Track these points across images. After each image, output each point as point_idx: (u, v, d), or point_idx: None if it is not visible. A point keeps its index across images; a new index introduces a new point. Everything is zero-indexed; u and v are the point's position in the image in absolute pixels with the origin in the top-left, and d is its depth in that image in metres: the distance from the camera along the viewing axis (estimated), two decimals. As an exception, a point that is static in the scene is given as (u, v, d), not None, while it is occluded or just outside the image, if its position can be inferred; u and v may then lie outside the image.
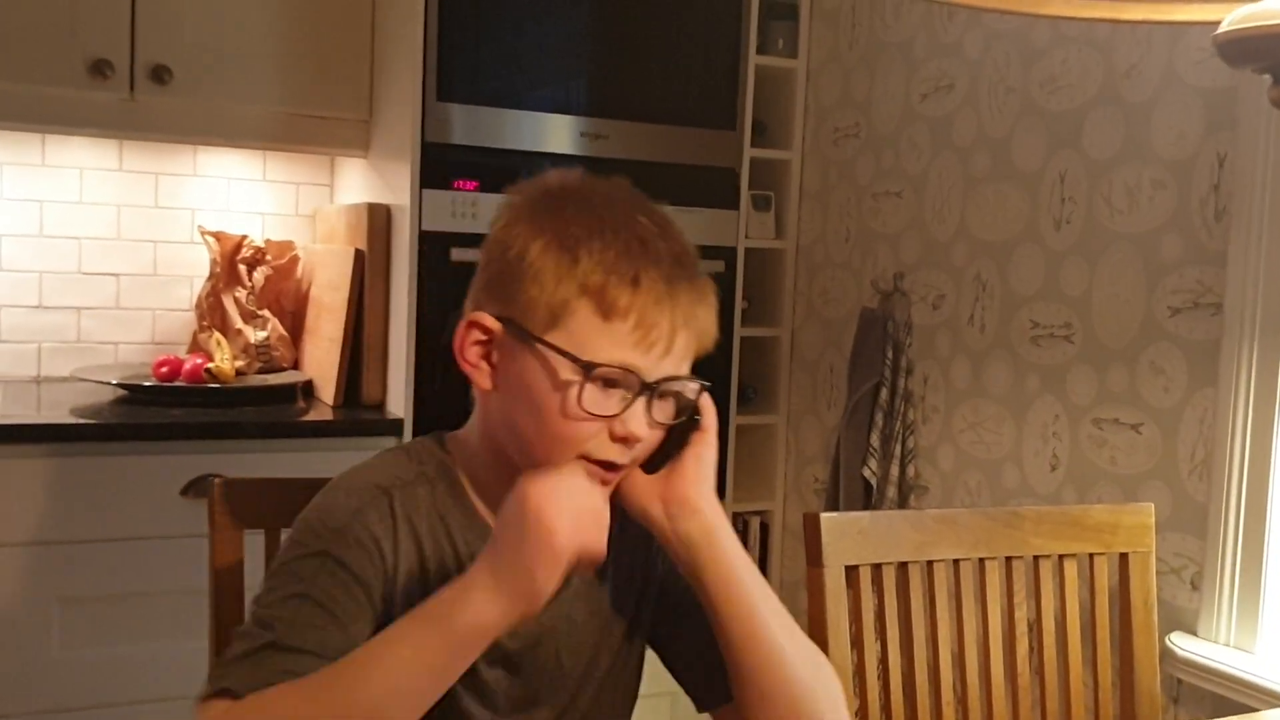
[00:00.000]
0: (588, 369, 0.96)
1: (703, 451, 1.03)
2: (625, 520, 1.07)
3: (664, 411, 1.01)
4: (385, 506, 1.01)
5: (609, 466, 0.99)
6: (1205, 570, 1.74)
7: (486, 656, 0.97)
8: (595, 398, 0.97)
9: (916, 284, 2.37)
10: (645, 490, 1.03)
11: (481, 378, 1.02)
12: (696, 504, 1.01)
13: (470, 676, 0.98)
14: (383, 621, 0.96)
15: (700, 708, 1.12)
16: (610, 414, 0.97)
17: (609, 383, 0.97)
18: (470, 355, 1.02)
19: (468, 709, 1.04)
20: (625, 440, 0.98)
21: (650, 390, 0.98)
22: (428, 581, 1.00)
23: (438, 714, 0.94)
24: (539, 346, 0.97)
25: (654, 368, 0.98)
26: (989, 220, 2.19)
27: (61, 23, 2.18)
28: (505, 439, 1.03)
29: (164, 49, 2.25)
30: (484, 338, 1.01)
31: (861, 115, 2.55)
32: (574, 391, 0.96)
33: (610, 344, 0.96)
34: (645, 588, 1.13)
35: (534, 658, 1.06)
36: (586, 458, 0.98)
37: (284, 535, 1.29)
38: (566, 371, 0.96)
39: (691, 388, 1.02)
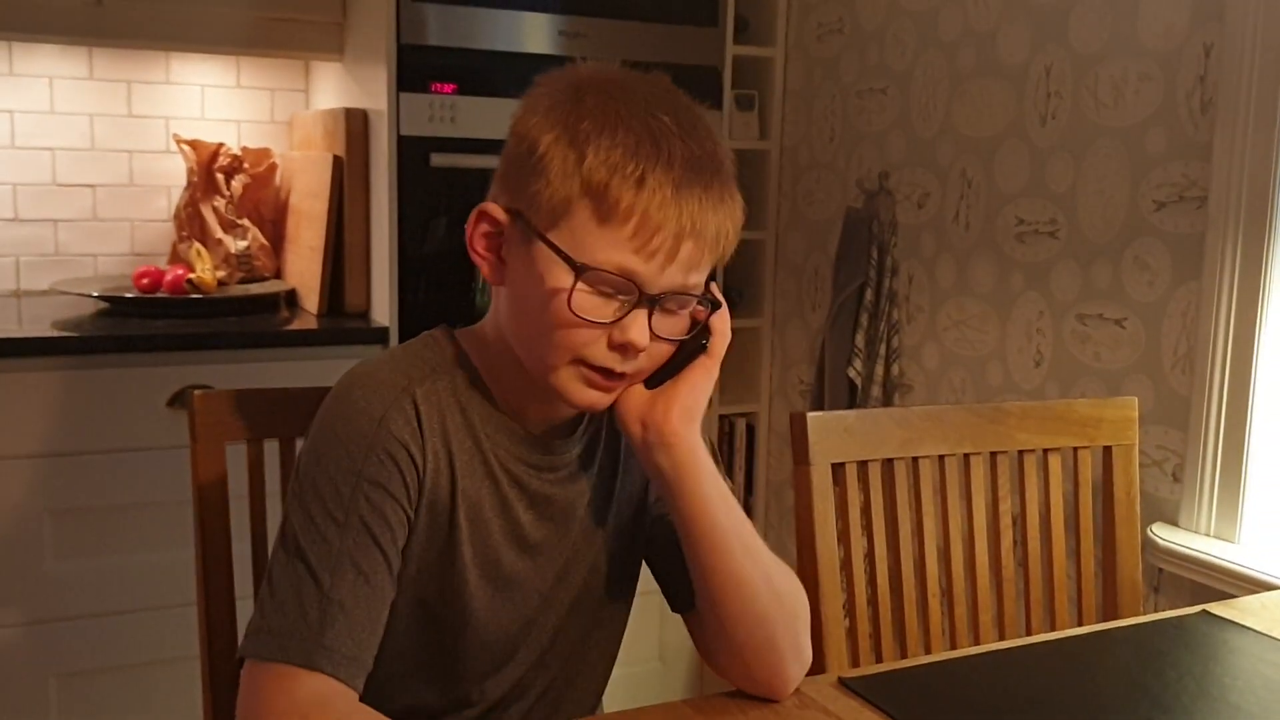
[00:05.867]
0: (580, 270, 0.93)
1: (698, 379, 1.01)
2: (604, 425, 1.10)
3: (671, 326, 0.99)
4: (409, 407, 0.98)
5: (606, 374, 0.97)
6: (1187, 462, 1.76)
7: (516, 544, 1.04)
8: (591, 302, 0.94)
9: (901, 183, 2.36)
10: (634, 407, 1.01)
11: (489, 270, 1.00)
12: (672, 437, 0.99)
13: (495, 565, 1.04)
14: (412, 522, 0.98)
15: (674, 609, 1.14)
16: (604, 320, 0.95)
17: (607, 288, 0.94)
18: (479, 245, 1.00)
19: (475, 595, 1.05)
20: (622, 349, 0.96)
21: (652, 301, 0.95)
22: (455, 479, 1.00)
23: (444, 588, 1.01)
24: (539, 243, 0.95)
25: (657, 276, 0.94)
26: (974, 117, 2.17)
27: (22, -76, 2.12)
28: (509, 334, 1.01)
29: (130, -49, 2.19)
30: (491, 229, 1.00)
31: (845, 10, 2.51)
32: (566, 293, 0.93)
33: (609, 246, 0.93)
34: (647, 495, 1.14)
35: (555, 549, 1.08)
36: (585, 363, 0.97)
37: (269, 447, 1.30)
38: (561, 271, 0.94)
39: (700, 306, 1.00)
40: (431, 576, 1.02)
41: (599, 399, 0.99)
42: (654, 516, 1.13)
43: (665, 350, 1.00)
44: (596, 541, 1.11)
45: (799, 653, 1.06)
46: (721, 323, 1.02)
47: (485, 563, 1.03)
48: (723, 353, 1.03)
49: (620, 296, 0.95)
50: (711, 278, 1.02)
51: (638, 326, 0.95)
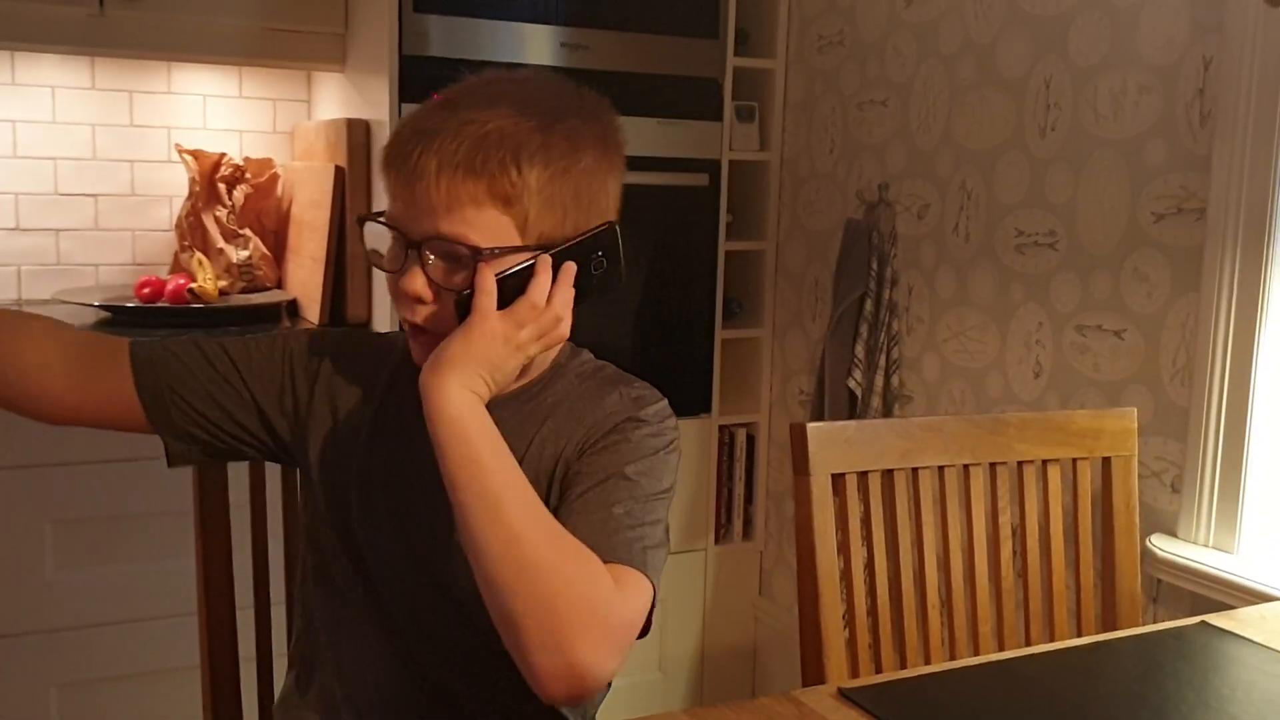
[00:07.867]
0: (360, 220, 1.05)
1: (458, 334, 0.97)
2: (544, 410, 1.08)
3: (446, 276, 0.99)
4: (356, 345, 1.16)
5: (413, 327, 1.02)
6: (1186, 473, 1.77)
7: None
8: (386, 255, 1.02)
9: (901, 194, 2.36)
10: None
11: None
12: (423, 387, 0.96)
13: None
14: (272, 422, 1.14)
15: None
16: (393, 270, 1.01)
17: (389, 236, 1.02)
18: None
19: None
20: (402, 297, 1.01)
21: (414, 246, 0.99)
22: (335, 403, 1.13)
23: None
24: None
25: (413, 221, 0.99)
26: (974, 128, 2.18)
27: (26, -64, 2.12)
28: None
29: (133, -38, 2.20)
30: None
31: (845, 22, 2.52)
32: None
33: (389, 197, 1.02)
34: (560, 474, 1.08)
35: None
36: (405, 320, 1.03)
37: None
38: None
39: (461, 251, 0.98)
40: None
41: (416, 354, 1.04)
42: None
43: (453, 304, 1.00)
44: None
45: (554, 648, 0.89)
46: (482, 278, 0.97)
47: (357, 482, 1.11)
48: (486, 307, 0.97)
49: (398, 249, 1.01)
50: (543, 247, 1.00)
51: (410, 274, 1.00)
